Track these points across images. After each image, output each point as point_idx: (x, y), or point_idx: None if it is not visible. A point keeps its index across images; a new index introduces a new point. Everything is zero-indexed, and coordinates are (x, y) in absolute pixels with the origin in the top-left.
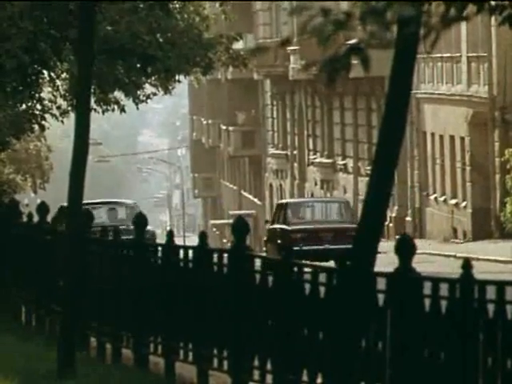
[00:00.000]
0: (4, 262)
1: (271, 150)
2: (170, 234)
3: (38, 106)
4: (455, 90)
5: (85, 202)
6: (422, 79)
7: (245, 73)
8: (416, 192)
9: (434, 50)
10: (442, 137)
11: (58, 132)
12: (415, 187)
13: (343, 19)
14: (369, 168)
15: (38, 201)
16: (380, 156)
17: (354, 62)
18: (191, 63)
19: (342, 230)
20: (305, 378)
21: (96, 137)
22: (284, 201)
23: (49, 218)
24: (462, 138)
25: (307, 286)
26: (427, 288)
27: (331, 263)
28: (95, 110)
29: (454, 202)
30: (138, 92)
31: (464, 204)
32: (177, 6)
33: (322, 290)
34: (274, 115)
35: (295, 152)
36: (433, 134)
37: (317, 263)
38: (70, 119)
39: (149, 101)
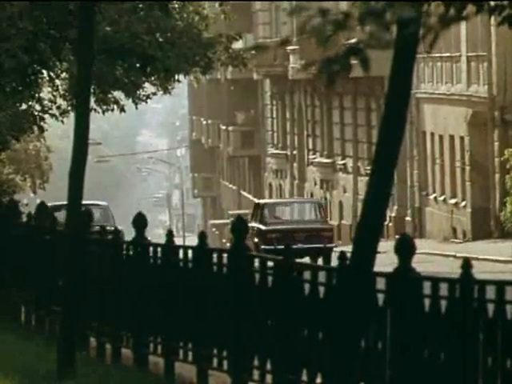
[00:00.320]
0: (4, 262)
1: (271, 150)
2: (170, 234)
3: (38, 107)
4: (455, 90)
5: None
6: (421, 79)
7: (244, 73)
8: (416, 192)
9: (433, 49)
10: (441, 136)
11: (58, 132)
12: (415, 187)
13: (342, 19)
14: (368, 168)
15: (38, 201)
16: (380, 156)
17: (354, 61)
18: (190, 63)
19: (314, 230)
20: (304, 377)
21: (95, 137)
22: (261, 201)
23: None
24: (462, 138)
25: (307, 286)
26: (427, 288)
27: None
28: (95, 109)
29: (453, 201)
30: (138, 92)
31: (463, 204)
32: (176, 5)
33: (322, 289)
34: (274, 115)
35: (295, 152)
36: (432, 134)
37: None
38: (70, 119)
39: (148, 101)
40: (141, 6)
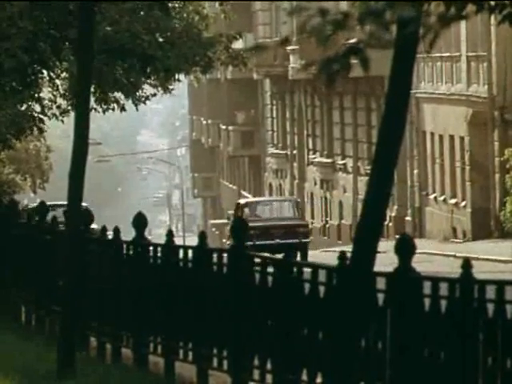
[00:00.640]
0: (4, 262)
1: (271, 150)
2: (170, 234)
3: (38, 107)
4: (455, 90)
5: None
6: (421, 79)
7: (244, 72)
8: (416, 191)
9: (433, 49)
10: (441, 136)
11: (58, 132)
12: (415, 187)
13: (342, 19)
14: (368, 168)
15: (38, 201)
16: (380, 155)
17: (354, 61)
18: (190, 62)
19: (291, 227)
20: (304, 377)
21: (95, 137)
22: (242, 201)
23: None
24: (462, 138)
25: (307, 286)
26: (427, 288)
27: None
28: (95, 109)
29: (453, 201)
30: (138, 93)
31: (463, 203)
32: (176, 5)
33: (322, 289)
34: (274, 115)
35: (295, 152)
36: (432, 134)
37: (317, 263)
38: (70, 119)
39: (148, 101)
40: (141, 6)
